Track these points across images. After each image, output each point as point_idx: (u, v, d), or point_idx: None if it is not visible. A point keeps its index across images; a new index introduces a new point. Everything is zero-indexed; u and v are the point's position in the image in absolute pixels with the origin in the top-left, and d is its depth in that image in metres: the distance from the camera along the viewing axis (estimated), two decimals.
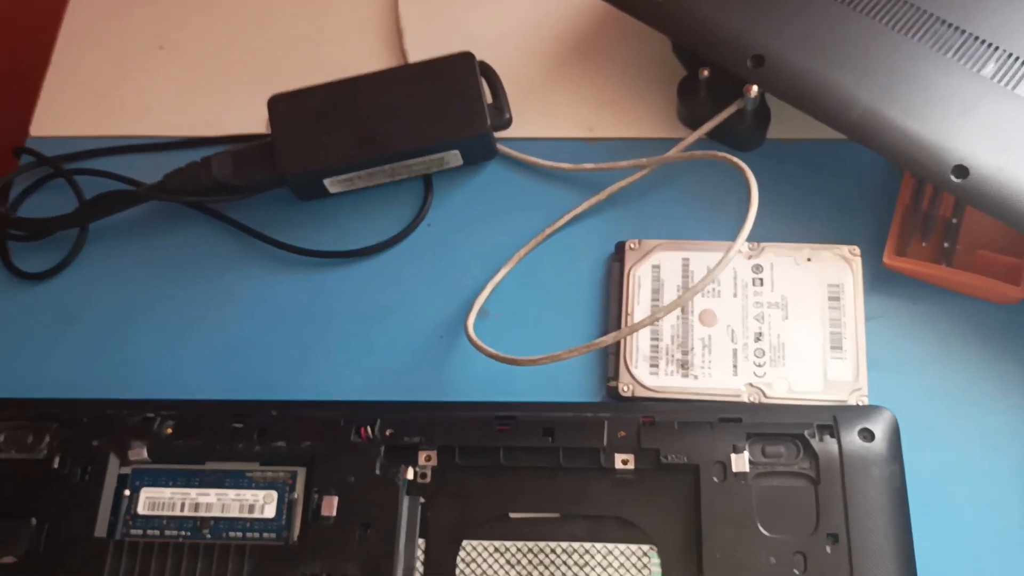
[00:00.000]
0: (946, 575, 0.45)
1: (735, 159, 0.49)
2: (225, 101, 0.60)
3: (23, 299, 0.55)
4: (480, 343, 0.48)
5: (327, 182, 0.53)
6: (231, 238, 0.55)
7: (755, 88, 0.50)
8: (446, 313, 0.52)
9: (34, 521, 0.47)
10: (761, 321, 0.49)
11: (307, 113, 0.53)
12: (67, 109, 0.61)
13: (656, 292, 0.50)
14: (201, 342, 0.53)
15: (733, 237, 0.51)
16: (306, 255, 0.54)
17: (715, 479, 0.44)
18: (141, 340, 0.54)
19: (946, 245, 0.49)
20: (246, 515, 0.47)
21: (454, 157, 0.54)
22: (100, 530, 0.47)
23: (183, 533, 0.47)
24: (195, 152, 0.57)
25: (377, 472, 0.46)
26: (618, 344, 0.49)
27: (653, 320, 0.46)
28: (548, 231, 0.53)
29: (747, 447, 0.45)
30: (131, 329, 0.54)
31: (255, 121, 0.58)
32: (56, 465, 0.48)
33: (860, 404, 0.47)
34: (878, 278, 0.50)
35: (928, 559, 0.43)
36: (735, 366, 0.48)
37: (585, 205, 0.53)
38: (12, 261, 0.56)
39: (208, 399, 0.50)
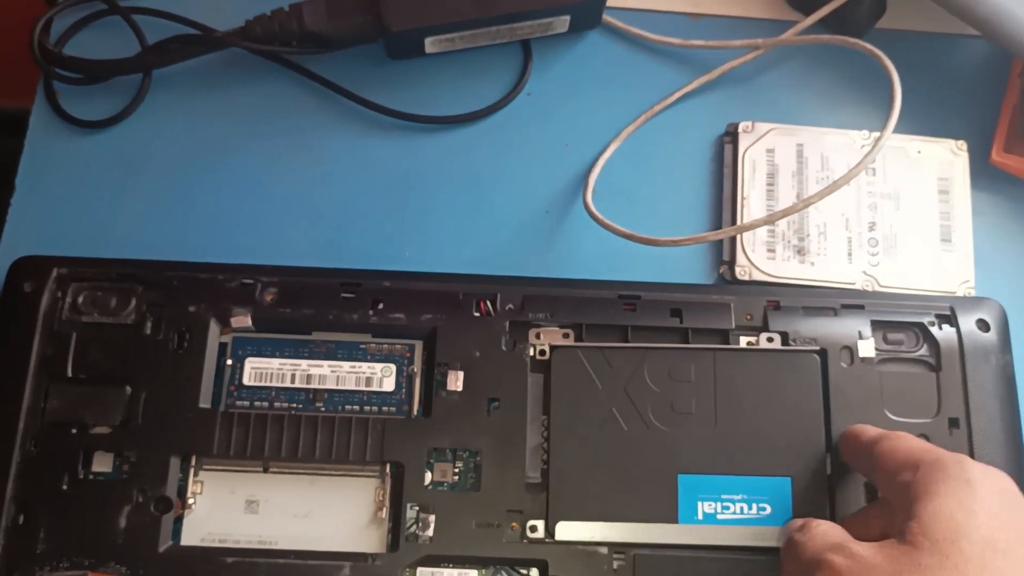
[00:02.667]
0: None
1: (869, 46, 0.48)
2: None
3: (77, 148, 0.50)
4: (605, 220, 0.47)
5: (428, 40, 0.50)
6: (316, 95, 0.51)
7: None
8: (551, 188, 0.50)
9: (129, 389, 0.44)
10: (874, 211, 0.50)
11: None
12: None
13: (771, 177, 0.50)
14: (288, 205, 0.50)
15: (845, 125, 0.51)
16: (400, 118, 0.51)
17: (843, 364, 0.45)
18: (219, 200, 0.50)
19: None
20: (363, 388, 0.45)
21: (562, 23, 0.51)
22: (204, 400, 0.44)
23: (295, 405, 0.45)
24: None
25: (503, 348, 0.45)
26: None
27: (795, 211, 0.45)
28: (657, 108, 0.51)
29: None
30: (207, 188, 0.50)
31: None
32: (149, 331, 0.45)
33: (969, 296, 0.49)
34: (980, 175, 0.51)
35: None
36: (850, 254, 0.49)
37: (696, 83, 0.52)
38: (61, 104, 0.51)
39: (307, 266, 0.47)
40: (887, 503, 0.39)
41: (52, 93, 0.51)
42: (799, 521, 0.40)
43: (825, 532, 0.38)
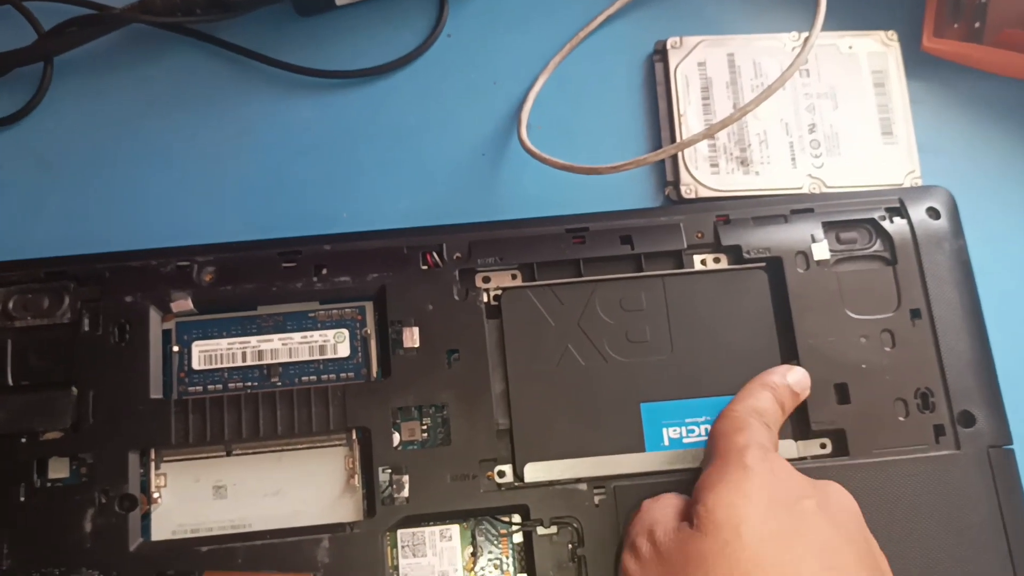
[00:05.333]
0: (1010, 340, 0.47)
1: None
2: None
3: None
4: (543, 154, 0.46)
5: None
6: (228, 63, 0.49)
7: None
8: (484, 129, 0.49)
9: (75, 390, 0.42)
10: (812, 112, 0.49)
11: None
12: None
13: (705, 90, 0.49)
14: (214, 180, 0.48)
15: (774, 29, 0.50)
16: (318, 76, 0.49)
17: (799, 269, 0.45)
18: (141, 184, 0.48)
19: (977, 25, 0.50)
20: (318, 357, 0.44)
21: None
22: (155, 391, 0.43)
23: (250, 384, 0.43)
24: None
25: (456, 297, 0.44)
26: None
27: (732, 121, 0.44)
28: (582, 34, 0.50)
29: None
30: (127, 173, 0.48)
31: None
32: (87, 327, 0.43)
33: (916, 185, 0.48)
34: (914, 63, 0.50)
35: (992, 327, 0.45)
36: (793, 159, 0.48)
37: (618, 4, 0.50)
38: None
39: (244, 240, 0.45)
40: None
41: None
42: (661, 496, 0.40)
43: (650, 511, 0.38)
